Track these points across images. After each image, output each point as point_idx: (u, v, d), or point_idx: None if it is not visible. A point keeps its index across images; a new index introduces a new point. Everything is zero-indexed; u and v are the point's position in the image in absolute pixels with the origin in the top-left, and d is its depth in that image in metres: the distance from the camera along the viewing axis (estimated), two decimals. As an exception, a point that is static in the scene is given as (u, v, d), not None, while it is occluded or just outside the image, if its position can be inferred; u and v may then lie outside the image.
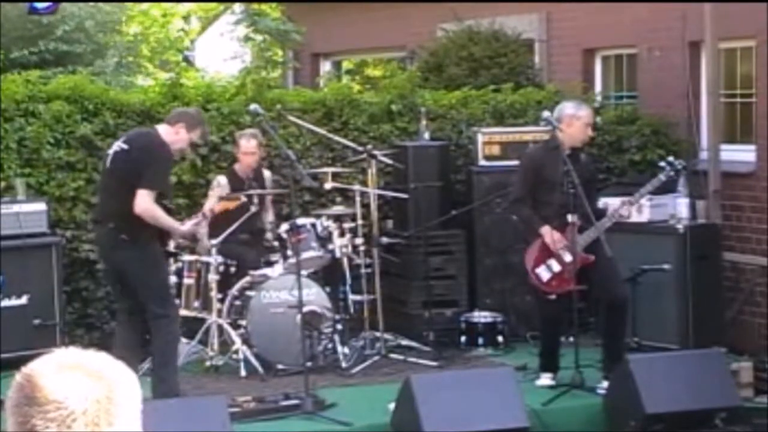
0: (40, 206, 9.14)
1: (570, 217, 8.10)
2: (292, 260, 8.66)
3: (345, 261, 9.31)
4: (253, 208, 9.22)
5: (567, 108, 8.49)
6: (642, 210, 9.46)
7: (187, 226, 7.99)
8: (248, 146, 9.42)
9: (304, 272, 8.48)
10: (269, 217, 9.71)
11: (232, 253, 9.11)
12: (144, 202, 7.55)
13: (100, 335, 9.45)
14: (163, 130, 7.90)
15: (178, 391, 7.80)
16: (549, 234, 8.25)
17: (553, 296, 8.33)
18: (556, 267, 8.29)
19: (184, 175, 9.88)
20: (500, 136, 10.27)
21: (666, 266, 9.34)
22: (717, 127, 10.18)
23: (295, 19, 16.15)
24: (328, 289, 9.02)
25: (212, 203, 9.40)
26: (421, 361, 9.03)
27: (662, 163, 8.72)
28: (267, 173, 9.72)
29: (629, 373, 7.79)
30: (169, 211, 7.82)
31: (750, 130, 10.33)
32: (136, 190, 7.54)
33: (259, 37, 17.21)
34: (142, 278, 7.75)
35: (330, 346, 8.91)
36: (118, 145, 7.87)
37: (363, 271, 9.33)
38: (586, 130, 8.45)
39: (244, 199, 8.91)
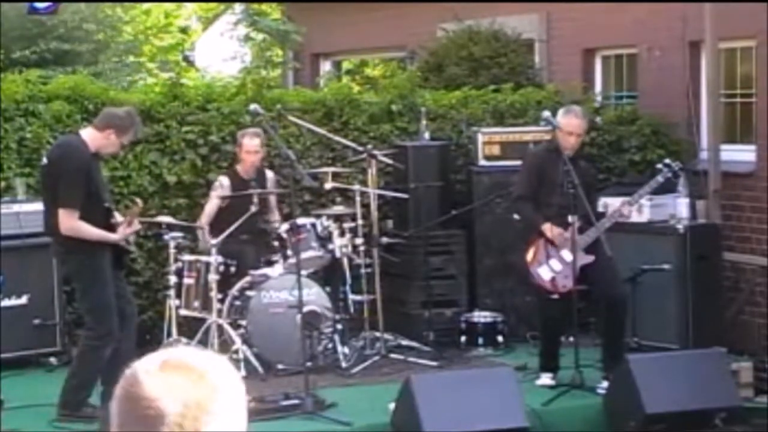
0: (40, 206, 9.10)
1: (570, 218, 8.11)
2: (292, 260, 8.66)
3: (345, 261, 9.30)
4: (253, 208, 9.20)
5: (558, 114, 8.50)
6: (642, 210, 9.46)
7: (120, 233, 7.72)
8: (251, 145, 9.38)
9: (304, 272, 8.47)
10: (274, 216, 9.67)
11: (232, 253, 9.10)
12: (65, 222, 7.49)
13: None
14: (91, 134, 7.66)
15: (77, 408, 7.58)
16: (549, 229, 8.25)
17: (555, 296, 8.34)
18: (557, 267, 8.30)
19: (184, 175, 9.87)
20: (500, 136, 10.27)
21: (666, 266, 9.33)
22: (717, 127, 10.18)
23: (295, 19, 16.15)
24: (328, 289, 9.02)
25: (213, 204, 9.41)
26: (421, 361, 9.03)
27: (660, 165, 8.74)
28: (270, 174, 9.68)
29: (629, 373, 7.79)
30: (108, 211, 7.75)
31: (750, 130, 10.32)
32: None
33: (259, 37, 17.22)
34: (80, 290, 7.78)
35: (330, 346, 8.91)
36: (44, 158, 7.87)
37: (363, 271, 9.32)
38: (566, 138, 8.33)
39: (141, 203, 8.28)
